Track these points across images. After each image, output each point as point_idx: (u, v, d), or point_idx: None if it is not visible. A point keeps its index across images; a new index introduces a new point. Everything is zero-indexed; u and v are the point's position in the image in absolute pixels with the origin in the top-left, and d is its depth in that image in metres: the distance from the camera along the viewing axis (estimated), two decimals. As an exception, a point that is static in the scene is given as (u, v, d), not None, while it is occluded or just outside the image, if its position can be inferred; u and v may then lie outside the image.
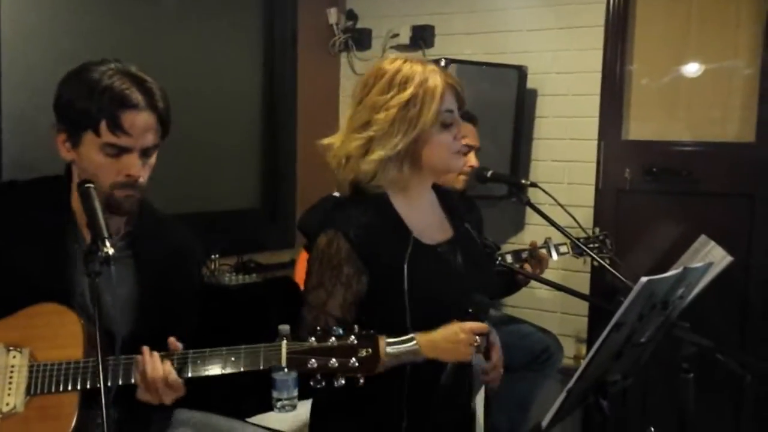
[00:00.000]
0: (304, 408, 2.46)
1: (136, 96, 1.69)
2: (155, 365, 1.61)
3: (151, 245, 1.86)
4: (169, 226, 1.93)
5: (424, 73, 1.77)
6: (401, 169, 1.79)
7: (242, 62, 3.74)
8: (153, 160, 1.77)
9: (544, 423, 1.61)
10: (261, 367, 1.60)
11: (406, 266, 1.74)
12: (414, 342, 1.66)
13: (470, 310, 1.72)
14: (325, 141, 1.86)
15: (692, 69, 3.21)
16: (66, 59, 2.02)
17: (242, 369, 1.62)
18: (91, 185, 1.68)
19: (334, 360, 1.54)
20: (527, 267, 2.90)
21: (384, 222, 1.79)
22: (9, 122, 2.78)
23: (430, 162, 1.81)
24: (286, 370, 2.16)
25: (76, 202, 1.79)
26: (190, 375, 1.63)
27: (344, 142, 1.82)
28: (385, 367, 1.65)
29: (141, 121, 1.69)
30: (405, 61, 1.81)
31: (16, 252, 1.74)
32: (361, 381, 1.55)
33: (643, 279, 1.48)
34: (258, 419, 2.40)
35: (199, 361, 1.63)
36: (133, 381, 1.64)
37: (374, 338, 1.56)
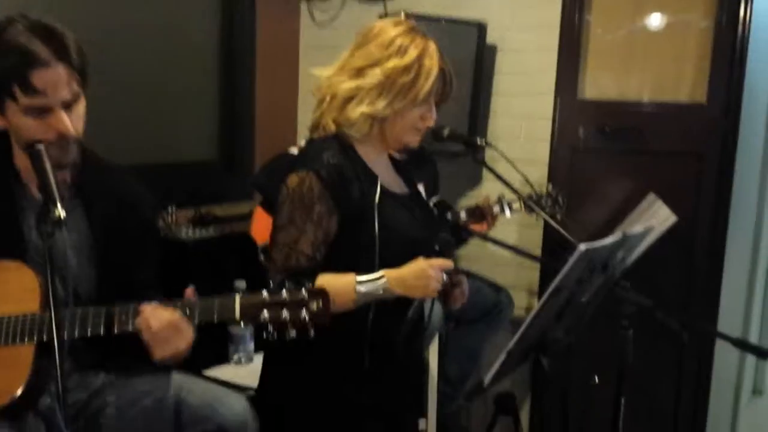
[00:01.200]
0: (260, 360, 2.51)
1: (43, 51, 1.65)
2: (160, 316, 1.63)
3: (98, 192, 1.88)
4: (114, 174, 1.95)
5: (424, 49, 1.84)
6: (372, 127, 1.86)
7: (199, 8, 3.65)
8: (81, 109, 1.76)
9: (486, 380, 1.67)
10: (215, 320, 1.65)
11: (376, 208, 1.81)
12: (384, 279, 1.74)
13: (437, 248, 1.81)
14: (316, 71, 1.92)
15: (649, 25, 3.23)
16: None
17: (195, 322, 1.66)
18: (41, 146, 1.68)
19: (285, 312, 1.60)
20: (481, 225, 2.96)
21: (353, 166, 1.85)
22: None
23: (391, 129, 1.88)
24: (241, 324, 2.23)
25: (19, 159, 1.81)
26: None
27: (333, 79, 1.87)
28: (356, 304, 1.75)
29: (52, 77, 1.66)
30: (410, 29, 1.87)
31: None
32: (312, 333, 1.61)
33: (581, 247, 1.53)
34: (214, 372, 2.45)
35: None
36: (95, 333, 1.67)
37: (325, 293, 1.62)
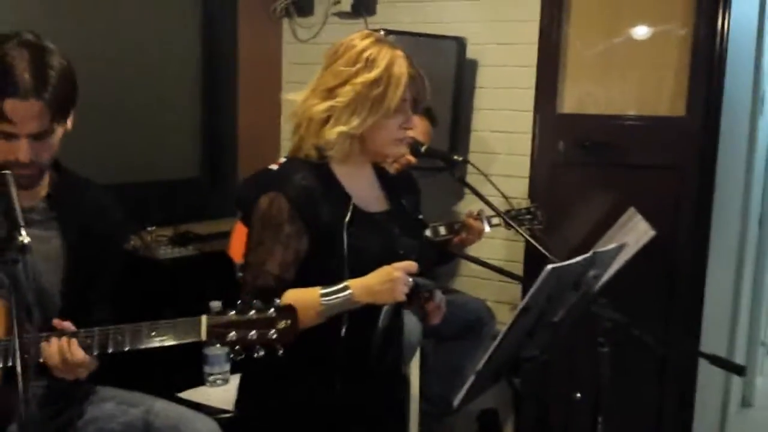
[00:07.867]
0: (236, 382, 2.49)
1: (24, 83, 1.67)
2: (62, 348, 1.64)
3: (72, 205, 1.91)
4: (86, 187, 1.99)
5: (392, 58, 1.84)
6: (352, 144, 1.86)
7: (180, 25, 3.66)
8: (54, 140, 1.79)
9: (456, 402, 1.65)
10: (182, 342, 1.65)
11: (345, 229, 1.81)
12: (348, 291, 1.73)
13: (400, 252, 1.81)
14: (289, 96, 1.92)
15: (627, 37, 3.24)
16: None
17: (161, 344, 1.66)
18: (8, 171, 1.68)
19: (253, 332, 1.61)
20: (461, 237, 2.95)
21: (324, 187, 1.84)
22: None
23: (372, 143, 1.88)
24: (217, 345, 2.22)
25: None
26: (111, 351, 1.66)
27: (307, 102, 1.87)
28: (322, 317, 1.74)
29: (24, 109, 1.68)
30: (376, 41, 1.87)
31: None
32: (280, 352, 1.61)
33: (548, 267, 1.52)
34: (190, 393, 2.43)
35: (119, 338, 1.67)
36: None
37: (293, 310, 1.62)
